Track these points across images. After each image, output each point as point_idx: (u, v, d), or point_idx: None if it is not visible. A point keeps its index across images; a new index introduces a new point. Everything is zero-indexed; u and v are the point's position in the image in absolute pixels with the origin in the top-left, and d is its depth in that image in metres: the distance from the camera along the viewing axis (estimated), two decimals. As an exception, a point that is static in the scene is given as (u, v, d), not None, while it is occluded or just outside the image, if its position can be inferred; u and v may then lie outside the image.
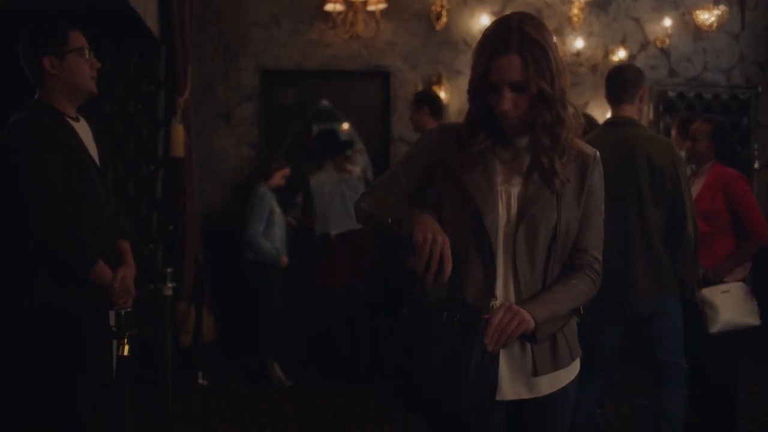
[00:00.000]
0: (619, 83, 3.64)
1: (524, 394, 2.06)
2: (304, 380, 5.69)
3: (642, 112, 3.71)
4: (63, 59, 2.82)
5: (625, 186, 3.48)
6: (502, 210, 2.02)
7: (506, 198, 2.03)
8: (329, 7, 6.27)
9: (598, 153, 2.11)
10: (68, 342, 2.71)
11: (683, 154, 5.04)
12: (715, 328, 3.86)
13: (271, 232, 5.58)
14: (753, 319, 3.94)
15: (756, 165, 6.84)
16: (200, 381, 5.53)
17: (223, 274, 6.01)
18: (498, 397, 1.99)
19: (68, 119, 2.85)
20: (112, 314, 2.81)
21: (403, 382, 1.99)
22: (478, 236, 2.00)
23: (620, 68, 3.81)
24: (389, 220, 2.02)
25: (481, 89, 1.99)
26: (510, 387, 2.04)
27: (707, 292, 3.87)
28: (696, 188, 4.07)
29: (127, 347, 2.82)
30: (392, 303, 2.18)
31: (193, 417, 4.85)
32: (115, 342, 2.86)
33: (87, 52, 2.89)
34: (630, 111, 3.63)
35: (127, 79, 5.49)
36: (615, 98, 3.66)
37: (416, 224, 1.93)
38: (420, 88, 6.48)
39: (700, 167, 4.14)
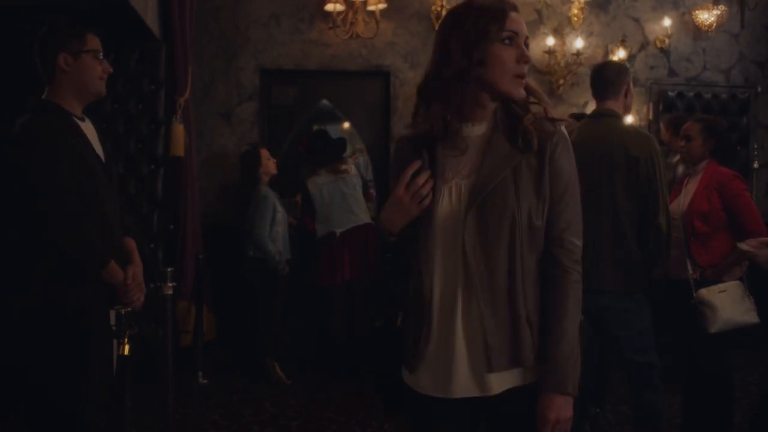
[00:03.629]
0: (601, 81, 3.72)
1: (474, 392, 1.96)
2: (304, 378, 5.70)
3: (628, 106, 3.76)
4: (78, 58, 2.88)
5: (599, 176, 3.52)
6: (446, 204, 1.96)
7: (456, 191, 1.97)
8: (329, 6, 6.28)
9: (560, 129, 1.99)
10: (74, 341, 2.73)
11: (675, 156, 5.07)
12: (714, 328, 3.86)
13: (274, 230, 5.59)
14: (751, 317, 3.95)
15: (755, 164, 6.84)
16: (201, 380, 5.54)
17: (224, 273, 6.02)
18: (443, 394, 1.98)
19: (75, 119, 2.89)
20: (112, 313, 2.83)
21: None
22: (418, 237, 1.99)
23: (602, 66, 3.85)
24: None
25: (478, 55, 1.91)
26: (459, 384, 1.95)
27: (705, 293, 3.88)
28: (691, 188, 4.08)
29: (127, 346, 2.83)
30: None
31: (194, 416, 4.86)
32: (115, 341, 2.87)
33: (101, 55, 2.94)
34: (614, 105, 3.68)
35: (127, 78, 5.50)
36: (599, 95, 3.74)
37: (393, 220, 1.98)
38: (420, 87, 6.49)
39: (695, 167, 4.14)
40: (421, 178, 1.92)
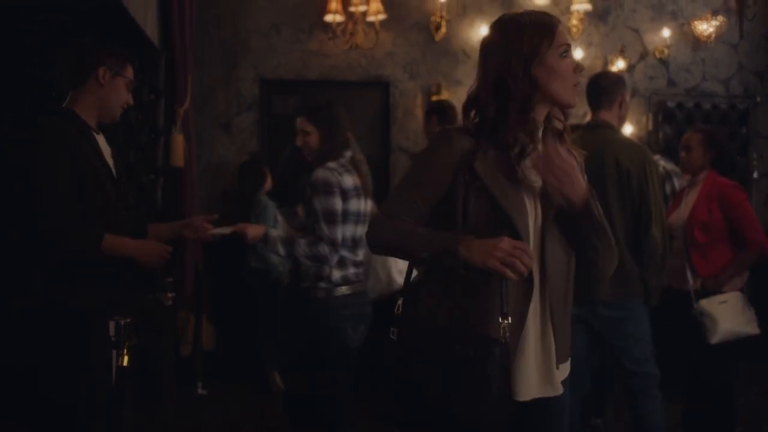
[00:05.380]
0: (597, 90, 3.73)
1: (549, 392, 2.05)
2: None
3: (622, 117, 3.78)
4: (114, 78, 2.94)
5: (591, 187, 3.51)
6: (530, 211, 2.00)
7: (532, 197, 2.01)
8: (329, 17, 6.29)
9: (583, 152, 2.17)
10: (74, 342, 2.74)
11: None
12: (715, 339, 3.87)
13: (274, 239, 5.60)
14: (752, 328, 3.96)
15: (755, 174, 6.85)
16: (200, 390, 5.52)
17: (223, 282, 6.01)
18: (521, 398, 2.01)
19: (92, 131, 2.91)
20: (111, 324, 2.82)
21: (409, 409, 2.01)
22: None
23: (599, 76, 3.86)
24: (426, 254, 1.95)
25: (536, 69, 1.97)
26: (536, 386, 2.03)
27: (705, 304, 3.89)
28: (691, 198, 4.08)
29: (126, 357, 2.82)
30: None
31: (194, 426, 4.84)
32: (114, 352, 2.87)
33: (131, 88, 3.02)
34: (607, 116, 3.69)
35: (127, 87, 5.49)
36: (593, 104, 3.76)
37: (473, 252, 1.86)
38: (420, 98, 6.51)
39: (695, 177, 4.15)
40: (528, 258, 1.86)
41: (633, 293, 3.55)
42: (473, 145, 1.98)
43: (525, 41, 1.96)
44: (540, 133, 2.03)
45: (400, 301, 2.08)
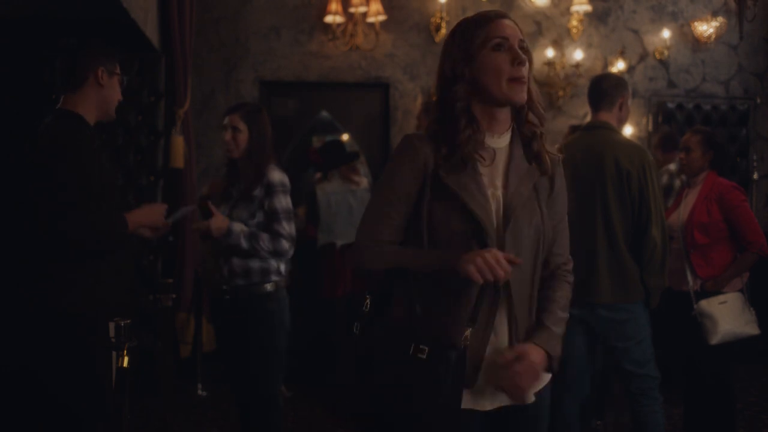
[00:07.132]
0: (597, 92, 3.74)
1: (506, 401, 1.98)
2: (303, 390, 5.69)
3: (623, 119, 3.77)
4: (111, 77, 2.98)
5: (592, 188, 3.52)
6: (494, 211, 1.95)
7: (495, 203, 1.96)
8: (329, 18, 6.30)
9: (560, 155, 2.11)
10: (75, 345, 2.75)
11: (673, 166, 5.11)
12: (714, 340, 3.87)
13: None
14: (752, 329, 3.96)
15: (755, 176, 6.85)
16: (200, 392, 5.52)
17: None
18: (478, 407, 1.97)
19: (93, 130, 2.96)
20: (111, 325, 2.83)
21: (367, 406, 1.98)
22: (476, 244, 1.91)
23: (600, 78, 3.87)
24: (419, 274, 1.95)
25: (467, 68, 1.94)
26: (491, 396, 1.97)
27: (705, 304, 3.89)
28: (691, 199, 4.09)
29: (126, 359, 2.82)
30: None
31: (193, 428, 4.84)
32: (114, 353, 2.87)
33: (124, 85, 3.08)
34: (607, 117, 3.69)
35: (126, 89, 5.47)
36: (593, 106, 3.76)
37: (462, 264, 1.82)
38: (419, 99, 6.51)
39: (694, 178, 4.15)
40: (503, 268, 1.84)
41: (633, 295, 3.54)
42: (434, 150, 1.96)
43: (456, 43, 1.96)
44: (489, 126, 2.00)
45: (368, 300, 2.05)
